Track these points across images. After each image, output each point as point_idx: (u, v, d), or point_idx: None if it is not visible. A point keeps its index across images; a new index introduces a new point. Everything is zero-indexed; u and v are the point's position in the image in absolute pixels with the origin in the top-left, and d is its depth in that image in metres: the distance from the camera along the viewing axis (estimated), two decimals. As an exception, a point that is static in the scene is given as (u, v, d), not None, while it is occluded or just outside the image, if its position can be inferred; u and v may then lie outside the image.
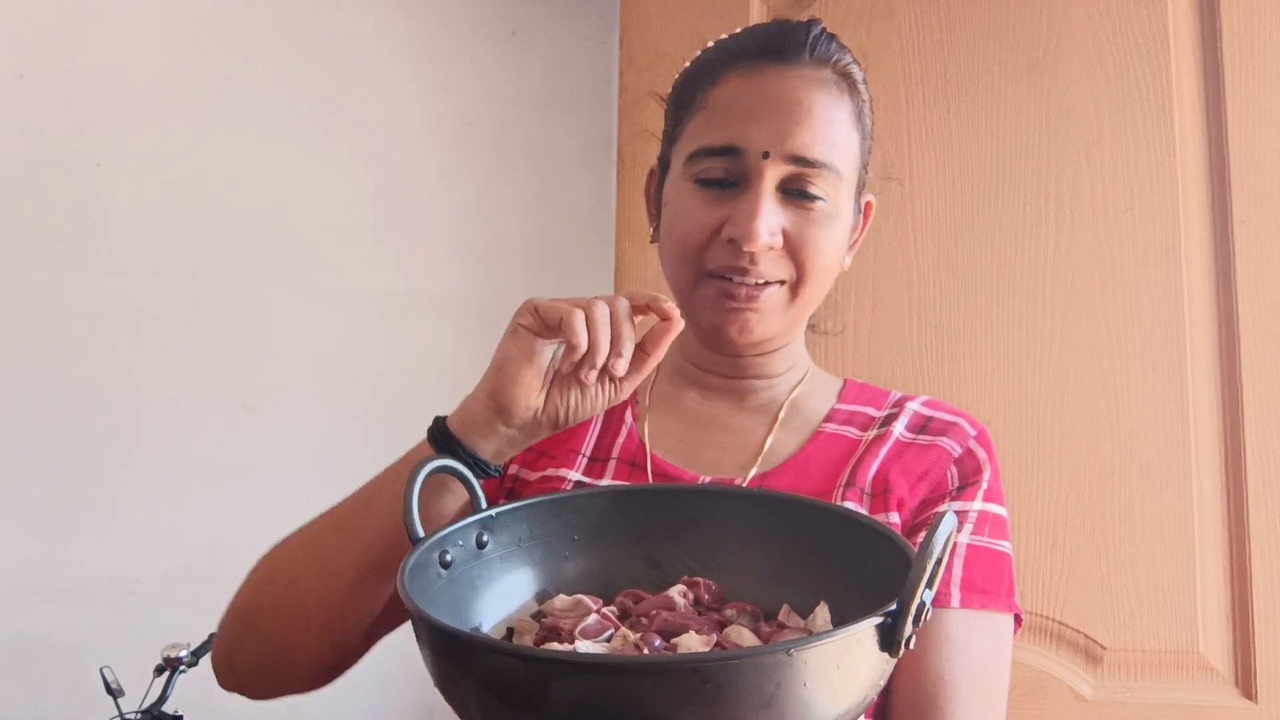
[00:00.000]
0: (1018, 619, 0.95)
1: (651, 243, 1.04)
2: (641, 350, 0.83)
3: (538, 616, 0.78)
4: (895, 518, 0.92)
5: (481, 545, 0.79)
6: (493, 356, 0.83)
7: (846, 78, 0.96)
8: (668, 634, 0.70)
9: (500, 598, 0.79)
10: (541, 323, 0.81)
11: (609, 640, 0.71)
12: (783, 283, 0.94)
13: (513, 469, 1.02)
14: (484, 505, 0.80)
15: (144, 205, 1.83)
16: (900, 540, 0.70)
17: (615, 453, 1.01)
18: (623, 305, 0.81)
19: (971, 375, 1.78)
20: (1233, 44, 1.74)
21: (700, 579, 0.78)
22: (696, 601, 0.76)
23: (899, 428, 0.99)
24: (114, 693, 1.50)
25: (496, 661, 0.61)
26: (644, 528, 0.83)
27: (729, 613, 0.75)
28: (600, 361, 0.79)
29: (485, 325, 0.85)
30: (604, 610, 0.75)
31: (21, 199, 1.74)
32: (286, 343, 1.93)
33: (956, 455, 0.97)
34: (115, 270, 1.80)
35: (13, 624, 1.69)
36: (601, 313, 0.80)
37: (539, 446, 1.03)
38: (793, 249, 0.93)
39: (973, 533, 0.93)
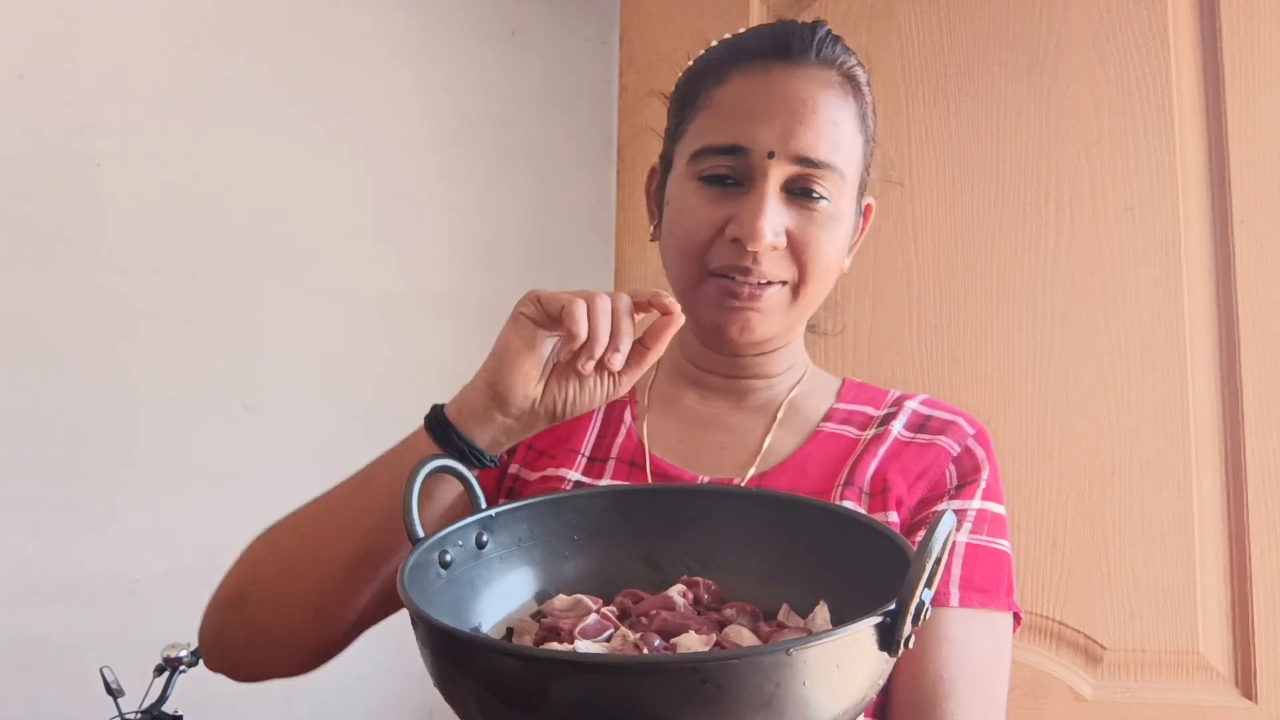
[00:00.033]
0: (1017, 618, 0.95)
1: (652, 240, 1.04)
2: (641, 345, 0.83)
3: (537, 616, 0.78)
4: (894, 517, 0.93)
5: (481, 545, 0.79)
6: (494, 345, 0.83)
7: (851, 80, 0.96)
8: (667, 634, 0.70)
9: (500, 598, 0.79)
10: (543, 312, 0.81)
11: (608, 640, 0.71)
12: (784, 283, 0.94)
13: (513, 468, 1.03)
14: (483, 505, 0.80)
15: (144, 205, 1.83)
16: (899, 539, 0.70)
17: (614, 452, 1.01)
18: (625, 301, 0.81)
19: (971, 375, 1.78)
20: (1233, 44, 1.74)
21: (700, 579, 0.78)
22: (696, 601, 0.76)
23: (897, 427, 0.99)
24: (114, 693, 1.50)
25: (496, 661, 0.61)
26: (643, 528, 0.83)
27: (728, 612, 0.75)
28: (598, 352, 0.79)
29: (485, 325, 0.84)
30: (603, 610, 0.75)
31: (21, 199, 1.73)
32: (286, 343, 1.93)
33: (955, 454, 0.97)
34: (115, 270, 1.80)
35: (13, 624, 1.69)
36: (603, 305, 0.80)
37: (539, 446, 1.03)
38: (795, 249, 0.93)
39: (971, 531, 0.94)
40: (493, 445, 0.85)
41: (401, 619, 0.66)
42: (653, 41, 1.99)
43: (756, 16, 1.92)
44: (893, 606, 0.59)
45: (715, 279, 0.94)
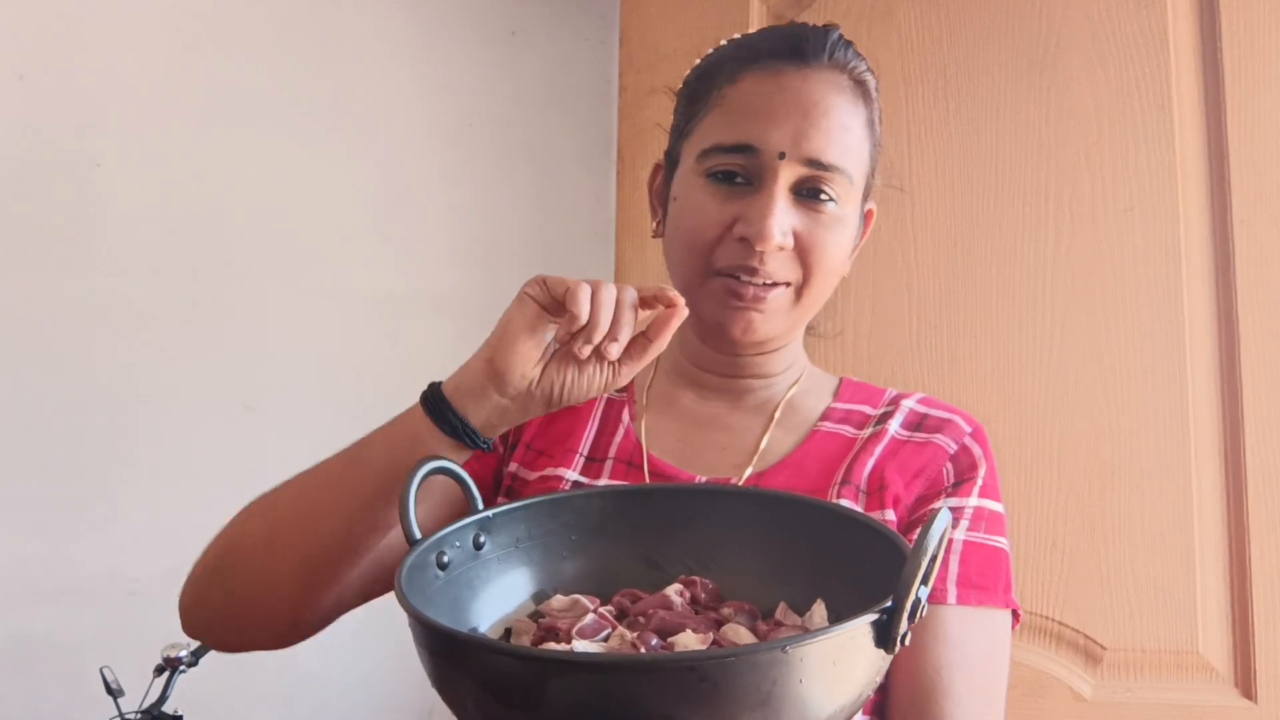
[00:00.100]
0: (1015, 615, 0.95)
1: (654, 237, 1.04)
2: (644, 337, 0.83)
3: (535, 617, 0.78)
4: (891, 515, 0.93)
5: (479, 546, 0.79)
6: (497, 323, 0.82)
7: (862, 85, 0.97)
8: (665, 633, 0.70)
9: (498, 598, 0.79)
10: (548, 294, 0.80)
11: (606, 640, 0.71)
12: (788, 284, 0.94)
13: (512, 467, 1.03)
14: (480, 506, 0.80)
15: (144, 205, 1.83)
16: (896, 537, 0.70)
17: (612, 452, 1.01)
18: (630, 294, 0.80)
19: (971, 375, 1.78)
20: (1233, 44, 1.74)
21: (697, 578, 0.78)
22: (693, 600, 0.76)
23: (894, 425, 0.99)
24: (114, 693, 1.50)
25: (493, 661, 0.61)
26: (642, 527, 0.83)
27: (726, 611, 0.75)
28: (596, 338, 0.78)
29: (485, 325, 0.84)
30: (601, 610, 0.75)
31: (21, 199, 1.73)
32: (286, 343, 1.93)
33: (952, 452, 0.97)
34: (115, 270, 1.80)
35: (13, 624, 1.69)
36: (607, 293, 0.79)
37: (538, 445, 1.03)
38: (802, 251, 0.93)
39: (969, 529, 0.94)
40: (486, 426, 0.84)
41: (401, 621, 0.66)
42: (653, 41, 1.99)
43: (756, 16, 1.92)
44: (889, 603, 0.60)
45: (720, 278, 0.94)
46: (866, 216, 1.03)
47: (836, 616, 0.72)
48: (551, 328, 0.81)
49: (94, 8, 1.80)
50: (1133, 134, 1.76)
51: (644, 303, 0.82)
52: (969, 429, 0.99)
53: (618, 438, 1.02)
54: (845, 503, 0.92)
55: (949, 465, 0.96)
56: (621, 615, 0.75)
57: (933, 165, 1.84)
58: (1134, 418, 1.72)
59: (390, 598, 0.69)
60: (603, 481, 0.99)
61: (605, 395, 1.07)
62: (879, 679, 0.63)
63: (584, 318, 0.77)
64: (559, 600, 0.78)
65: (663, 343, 0.83)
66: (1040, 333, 1.77)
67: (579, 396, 0.84)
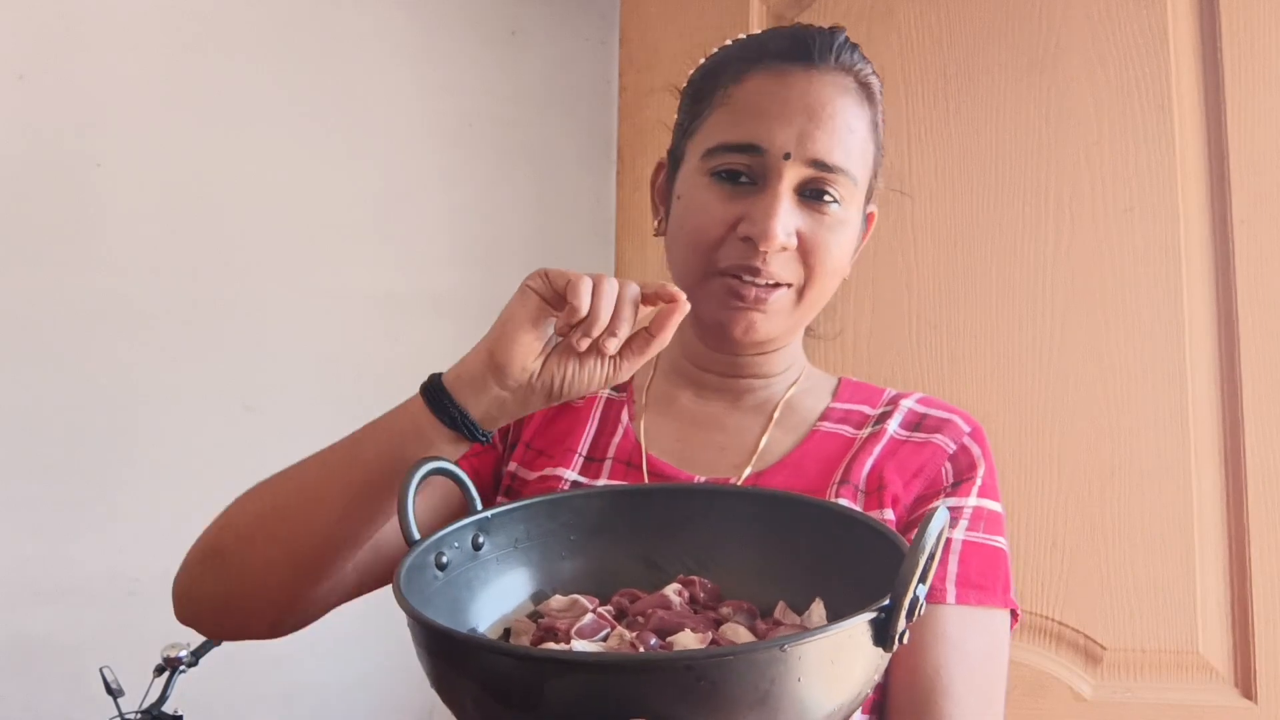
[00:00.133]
0: (1014, 615, 0.95)
1: (656, 235, 1.04)
2: (646, 333, 0.82)
3: (534, 617, 0.78)
4: (890, 514, 0.93)
5: (478, 547, 0.79)
6: (499, 316, 0.82)
7: (867, 87, 0.97)
8: (664, 632, 0.70)
9: (497, 599, 0.79)
10: (550, 287, 0.79)
11: (605, 640, 0.71)
12: (790, 285, 0.94)
13: (511, 466, 1.03)
14: (479, 506, 0.80)
15: (144, 205, 1.83)
16: (895, 536, 0.70)
17: (611, 452, 1.01)
18: (632, 290, 0.80)
19: (971, 375, 1.78)
20: (1233, 44, 1.74)
21: (696, 578, 0.78)
22: (692, 600, 0.76)
23: (893, 425, 0.99)
24: (114, 693, 1.50)
25: (492, 661, 0.61)
26: (641, 527, 0.83)
27: (725, 611, 0.75)
28: (595, 332, 0.78)
29: (485, 325, 0.84)
30: (600, 610, 0.75)
31: (21, 199, 1.74)
32: (286, 343, 1.93)
33: (951, 452, 0.97)
34: (115, 270, 1.80)
35: (13, 624, 1.69)
36: (609, 287, 0.79)
37: (537, 445, 1.03)
38: (804, 251, 0.94)
39: (968, 529, 0.94)
40: (485, 418, 0.83)
41: (400, 621, 0.66)
42: (653, 41, 1.99)
43: (756, 16, 1.92)
44: (887, 602, 0.60)
45: (722, 278, 0.94)
46: (868, 219, 1.03)
47: (835, 616, 0.72)
48: (553, 320, 0.81)
49: (94, 8, 1.80)
50: (1133, 134, 1.76)
51: (646, 299, 0.81)
52: (968, 429, 0.99)
53: (617, 438, 1.02)
54: (844, 502, 0.92)
55: (948, 465, 0.96)
56: (620, 615, 0.75)
57: (933, 165, 1.84)
58: (1134, 418, 1.72)
59: (390, 598, 0.69)
60: (601, 481, 0.99)
61: (605, 395, 1.07)
62: (877, 678, 0.63)
63: (583, 310, 0.77)
64: (558, 600, 0.78)
65: (665, 338, 0.82)
66: (1040, 333, 1.77)
67: (580, 390, 0.83)
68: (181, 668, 1.55)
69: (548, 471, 1.00)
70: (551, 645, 0.71)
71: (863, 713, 0.90)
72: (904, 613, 0.59)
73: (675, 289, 0.81)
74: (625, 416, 1.04)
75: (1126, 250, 1.75)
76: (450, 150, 2.10)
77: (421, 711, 1.96)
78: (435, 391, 0.83)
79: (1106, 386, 1.73)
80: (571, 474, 0.99)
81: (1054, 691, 1.69)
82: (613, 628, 0.72)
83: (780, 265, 0.93)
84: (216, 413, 1.86)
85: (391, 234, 2.04)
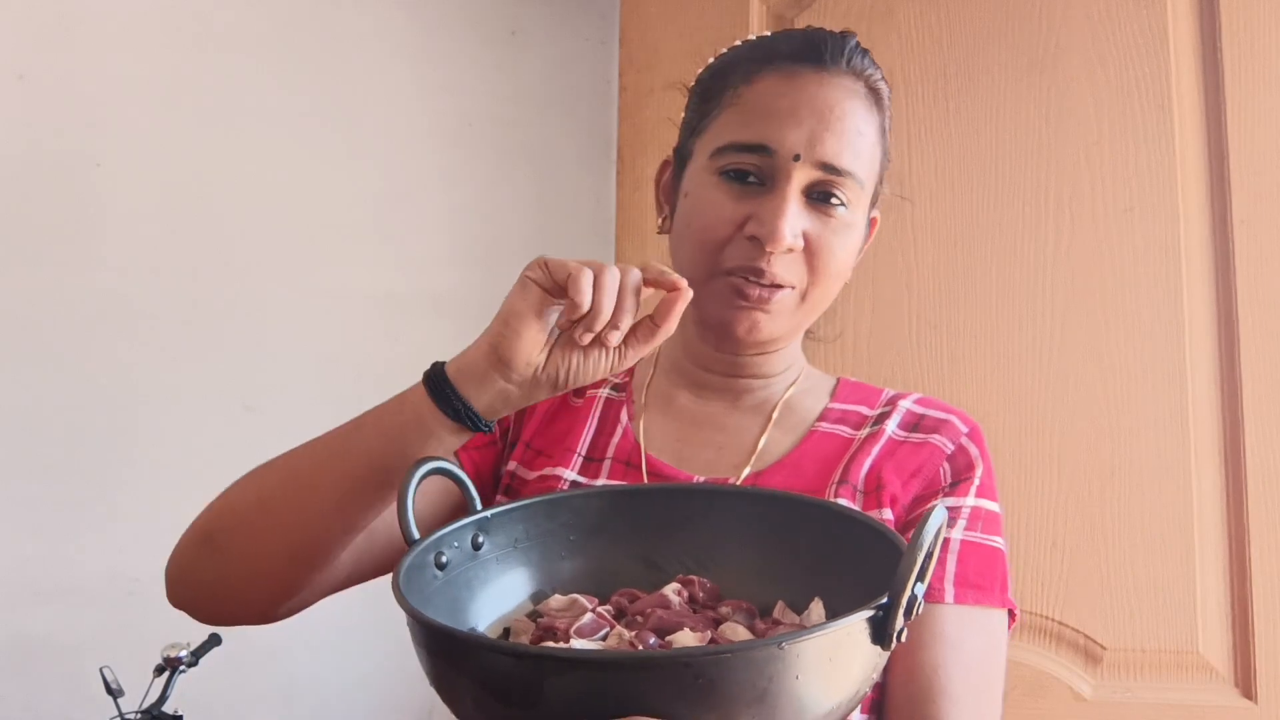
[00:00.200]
0: (1012, 614, 0.95)
1: (660, 233, 1.04)
2: (651, 321, 0.81)
3: (534, 616, 0.78)
4: (888, 514, 0.93)
5: (477, 546, 0.79)
6: (500, 308, 0.81)
7: (876, 93, 0.98)
8: (663, 632, 0.70)
9: (496, 598, 0.79)
10: (550, 279, 0.79)
11: (604, 639, 0.71)
12: (794, 288, 0.95)
13: (510, 465, 1.03)
14: (479, 506, 0.80)
15: (144, 205, 1.83)
16: (894, 535, 0.71)
17: (610, 452, 1.01)
18: (634, 277, 0.79)
19: (971, 375, 1.78)
20: (1233, 44, 1.74)
21: (695, 577, 0.78)
22: (691, 599, 0.76)
23: (891, 425, 0.99)
24: (114, 693, 1.50)
25: (491, 659, 0.61)
26: (640, 527, 0.83)
27: (724, 610, 0.75)
28: (599, 327, 0.77)
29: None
30: (599, 609, 0.75)
31: (21, 199, 1.73)
32: (286, 343, 1.93)
33: (949, 452, 0.97)
34: (115, 270, 1.80)
35: (13, 624, 1.69)
36: (610, 278, 0.78)
37: (536, 445, 1.03)
38: (810, 253, 0.94)
39: (966, 529, 0.94)
40: (489, 410, 0.83)
41: (400, 621, 0.66)
42: (653, 41, 1.99)
43: (756, 16, 1.92)
44: (884, 600, 0.60)
45: (727, 277, 0.94)
46: (870, 224, 1.04)
47: (834, 615, 0.72)
48: (556, 309, 0.80)
49: (94, 8, 1.80)
50: (1133, 134, 1.76)
51: (647, 283, 0.80)
52: (966, 429, 0.99)
53: (616, 437, 1.02)
54: (843, 502, 0.92)
55: (946, 465, 0.96)
56: (619, 615, 0.75)
57: (933, 165, 1.84)
58: (1134, 418, 1.72)
59: (389, 597, 0.69)
60: (601, 481, 0.99)
61: (604, 395, 1.07)
62: (876, 676, 0.63)
63: (585, 306, 0.76)
64: (557, 600, 0.78)
65: (670, 326, 0.81)
66: (1040, 333, 1.77)
67: (585, 379, 0.83)
68: (181, 668, 1.55)
69: (547, 471, 1.00)
70: (550, 645, 0.71)
71: (861, 712, 0.91)
72: (902, 611, 0.59)
73: (676, 276, 0.80)
74: (624, 416, 1.04)
75: (1126, 250, 1.75)
76: (450, 150, 2.10)
77: (421, 711, 1.96)
78: (439, 383, 0.82)
79: (1106, 386, 1.73)
80: (571, 474, 0.99)
81: (1054, 691, 1.69)
82: (612, 627, 0.72)
83: (784, 267, 0.93)
84: (216, 413, 1.86)
85: (391, 234, 2.04)
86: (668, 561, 0.81)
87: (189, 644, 1.55)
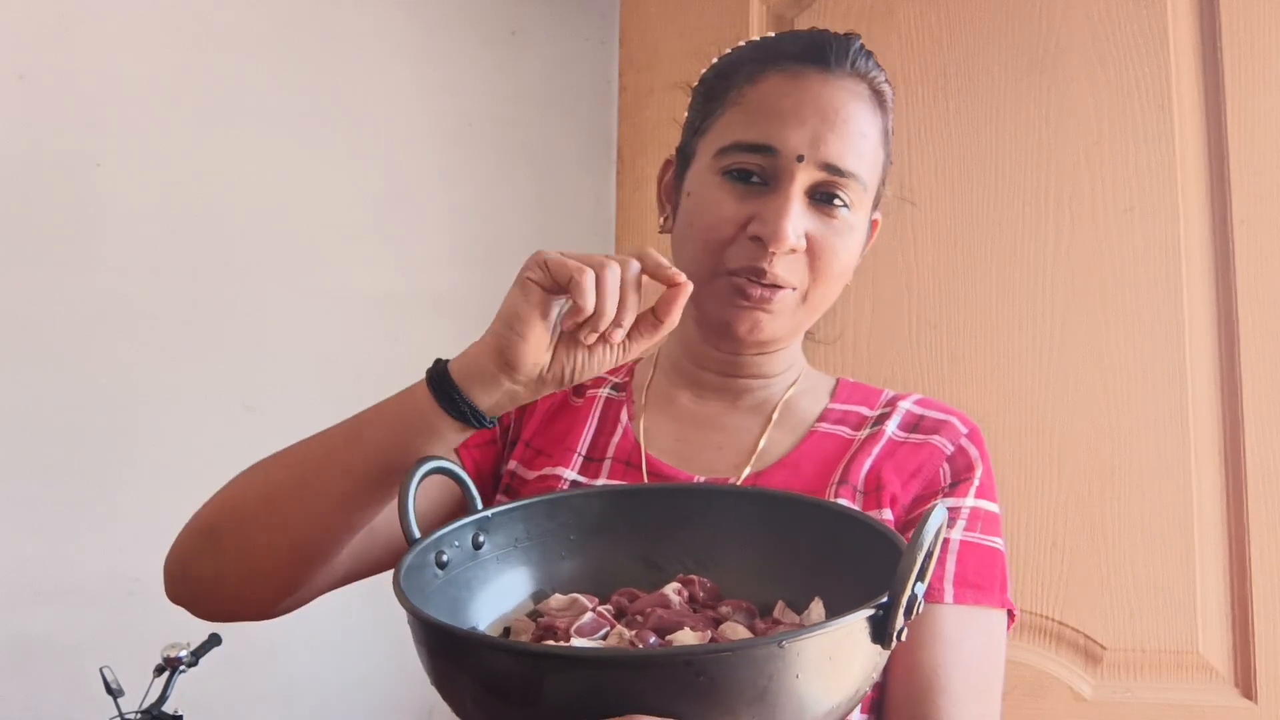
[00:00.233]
0: (1011, 615, 0.95)
1: (662, 232, 1.04)
2: (654, 315, 0.81)
3: (534, 616, 0.78)
4: (888, 514, 0.93)
5: (478, 546, 0.79)
6: (500, 308, 0.81)
7: (880, 95, 0.98)
8: (663, 631, 0.70)
9: (496, 598, 0.79)
10: (550, 277, 0.78)
11: (604, 638, 0.71)
12: (795, 289, 0.95)
13: (511, 465, 1.03)
14: (479, 506, 0.80)
15: (144, 205, 1.83)
16: (894, 535, 0.71)
17: (610, 452, 1.01)
18: (633, 270, 0.78)
19: (971, 375, 1.78)
20: (1233, 44, 1.74)
21: (695, 577, 0.78)
22: (691, 599, 0.76)
23: (891, 426, 0.99)
24: (114, 693, 1.50)
25: (491, 658, 0.61)
26: (640, 527, 0.83)
27: (724, 609, 0.75)
28: (603, 327, 0.77)
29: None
30: (599, 609, 0.75)
31: (21, 199, 1.73)
32: (286, 343, 1.93)
33: (949, 453, 0.97)
34: (115, 270, 1.80)
35: (13, 624, 1.69)
36: (612, 277, 0.77)
37: (536, 444, 1.03)
38: (812, 255, 0.94)
39: (965, 529, 0.94)
40: (495, 408, 0.83)
41: (400, 621, 0.66)
42: (653, 41, 1.99)
43: (756, 16, 1.92)
44: (884, 599, 0.60)
45: (729, 277, 0.94)
46: (872, 225, 1.04)
47: (834, 615, 0.72)
48: (557, 305, 0.80)
49: (94, 8, 1.80)
50: (1133, 134, 1.76)
51: (645, 272, 0.80)
52: (965, 430, 0.99)
53: (616, 437, 1.02)
54: (843, 502, 0.92)
55: (945, 466, 0.97)
56: (620, 614, 0.75)
57: (933, 165, 1.84)
58: (1134, 418, 1.72)
59: (389, 596, 0.69)
60: (601, 481, 0.99)
61: (604, 395, 1.07)
62: (876, 675, 0.63)
63: (589, 310, 0.76)
64: (558, 599, 0.78)
65: (673, 320, 0.81)
66: (1040, 333, 1.77)
67: (591, 373, 0.83)
68: (181, 668, 1.55)
69: (547, 471, 1.00)
70: (551, 644, 0.71)
71: (861, 711, 0.91)
72: (902, 610, 0.60)
73: (675, 271, 0.80)
74: (624, 416, 1.04)
75: (1126, 250, 1.75)
76: (450, 150, 2.10)
77: (421, 710, 1.96)
78: (443, 385, 0.82)
79: (1106, 386, 1.73)
80: (571, 473, 0.99)
81: (1054, 691, 1.69)
82: (612, 626, 0.72)
83: (786, 268, 0.93)
84: (216, 413, 1.86)
85: (391, 234, 2.04)
86: (668, 561, 0.81)
87: (189, 644, 1.55)
